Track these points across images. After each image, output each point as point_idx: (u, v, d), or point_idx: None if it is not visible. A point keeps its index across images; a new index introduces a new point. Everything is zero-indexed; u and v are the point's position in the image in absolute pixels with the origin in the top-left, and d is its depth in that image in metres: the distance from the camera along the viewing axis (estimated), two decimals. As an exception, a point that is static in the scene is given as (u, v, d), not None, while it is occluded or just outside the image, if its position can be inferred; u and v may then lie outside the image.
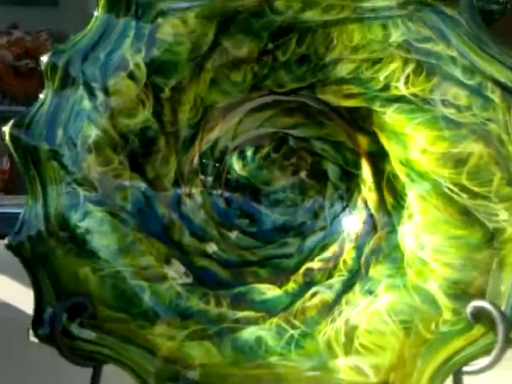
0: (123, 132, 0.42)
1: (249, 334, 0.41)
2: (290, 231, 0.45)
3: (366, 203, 0.44)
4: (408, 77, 0.40)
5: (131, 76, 0.41)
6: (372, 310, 0.41)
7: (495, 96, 0.39)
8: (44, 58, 0.41)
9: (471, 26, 0.39)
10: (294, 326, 0.42)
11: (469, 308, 0.39)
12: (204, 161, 0.45)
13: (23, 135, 0.40)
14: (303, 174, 0.46)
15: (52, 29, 4.42)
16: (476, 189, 0.40)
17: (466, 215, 0.40)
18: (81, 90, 0.41)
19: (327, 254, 0.44)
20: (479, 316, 0.39)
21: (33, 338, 0.40)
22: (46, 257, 0.40)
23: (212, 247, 0.45)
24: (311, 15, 0.40)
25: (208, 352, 0.41)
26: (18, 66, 2.85)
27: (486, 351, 0.39)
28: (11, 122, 0.41)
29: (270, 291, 0.43)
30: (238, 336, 0.41)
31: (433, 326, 0.40)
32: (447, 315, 0.40)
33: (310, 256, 0.45)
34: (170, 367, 0.40)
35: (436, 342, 0.40)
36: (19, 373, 0.60)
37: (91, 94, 0.41)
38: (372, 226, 0.44)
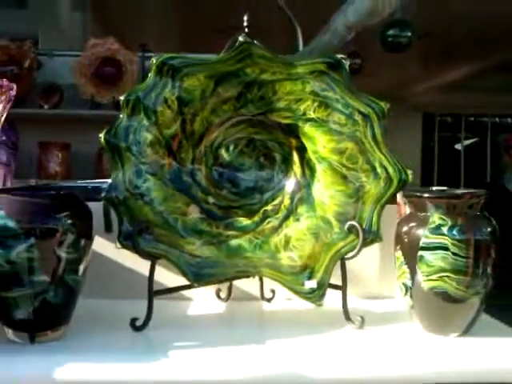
0: (164, 136, 0.77)
1: (234, 242, 0.77)
2: (255, 190, 0.81)
3: (295, 174, 0.81)
4: (315, 109, 0.77)
5: (169, 106, 0.76)
6: (298, 228, 0.78)
7: (359, 119, 0.76)
8: (121, 97, 0.75)
9: (346, 82, 0.76)
10: (257, 238, 0.78)
11: (346, 225, 0.76)
12: (207, 151, 0.80)
13: (112, 138, 0.75)
14: (261, 159, 0.82)
15: (21, 31, 4.58)
16: (350, 165, 0.77)
17: (345, 179, 0.77)
18: (142, 114, 0.75)
19: (275, 201, 0.80)
20: (352, 229, 0.76)
21: (119, 246, 0.74)
22: (125, 203, 0.75)
23: (212, 199, 0.80)
24: (265, 76, 0.76)
25: (213, 251, 0.76)
26: (3, 71, 3.11)
27: (354, 247, 0.76)
28: (104, 130, 0.75)
29: (244, 221, 0.79)
30: (228, 244, 0.77)
31: (328, 235, 0.77)
32: (336, 230, 0.77)
33: (266, 203, 0.81)
34: (193, 259, 0.75)
35: (330, 244, 0.77)
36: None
37: (147, 116, 0.75)
38: (298, 186, 0.80)
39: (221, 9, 5.66)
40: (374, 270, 0.92)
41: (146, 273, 0.75)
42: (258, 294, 0.89)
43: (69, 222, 0.66)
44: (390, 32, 2.06)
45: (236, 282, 0.87)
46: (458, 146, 13.22)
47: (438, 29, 4.39)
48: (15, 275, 0.64)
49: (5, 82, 0.96)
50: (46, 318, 0.67)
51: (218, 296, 0.88)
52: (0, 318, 0.68)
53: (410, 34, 2.03)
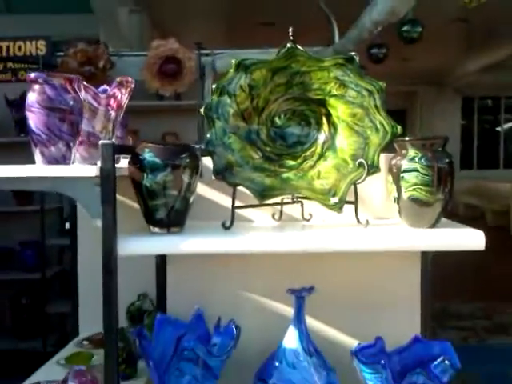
0: (240, 109, 1.19)
1: (285, 175, 1.19)
2: (298, 143, 1.23)
3: (324, 131, 1.22)
4: (336, 88, 1.17)
5: (243, 90, 1.17)
6: (326, 165, 1.19)
7: (365, 93, 1.16)
8: (213, 85, 1.17)
9: (356, 69, 1.16)
10: (300, 173, 1.20)
11: (357, 162, 1.17)
12: (267, 118, 1.22)
13: (208, 111, 1.17)
14: (302, 123, 1.23)
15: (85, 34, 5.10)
16: (359, 124, 1.17)
17: (357, 133, 1.17)
18: (226, 96, 1.17)
19: (311, 149, 1.22)
20: (361, 165, 1.16)
21: (213, 178, 1.17)
22: (215, 152, 1.17)
23: (269, 148, 1.22)
24: (304, 68, 1.17)
25: (271, 181, 1.18)
26: (82, 71, 3.60)
27: (362, 175, 1.16)
28: (204, 106, 1.17)
29: (291, 162, 1.21)
30: (281, 176, 1.19)
31: (345, 169, 1.17)
32: (351, 166, 1.17)
33: (305, 150, 1.22)
34: (259, 186, 1.17)
35: (346, 174, 1.17)
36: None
37: (229, 97, 1.17)
38: (326, 138, 1.21)
39: (264, 4, 6.04)
40: (379, 194, 1.32)
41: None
42: (300, 216, 1.31)
43: (187, 160, 1.10)
44: (405, 28, 2.44)
45: (285, 208, 1.28)
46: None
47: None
48: (158, 191, 1.08)
49: (129, 78, 1.39)
50: (174, 218, 1.11)
51: (273, 217, 1.30)
52: (147, 218, 1.12)
53: (420, 29, 2.40)
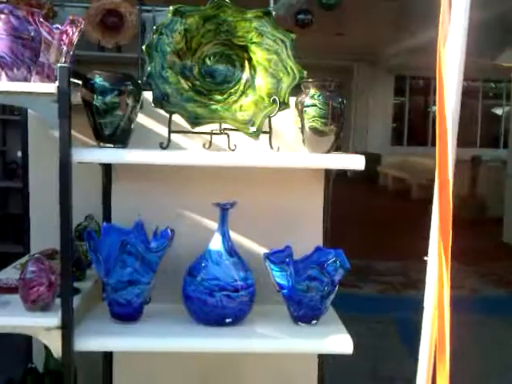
0: (176, 48, 1.40)
1: (213, 107, 1.43)
2: (224, 81, 1.46)
3: (246, 72, 1.46)
4: (256, 36, 1.41)
5: (179, 33, 1.39)
6: (247, 100, 1.44)
7: (279, 42, 1.41)
8: (155, 26, 1.38)
9: (272, 22, 1.40)
10: (226, 105, 1.44)
11: (271, 99, 1.42)
12: (199, 58, 1.45)
13: (149, 48, 1.38)
14: (228, 64, 1.46)
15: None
16: (274, 67, 1.42)
17: (272, 75, 1.42)
18: (164, 36, 1.39)
19: (236, 87, 1.46)
20: (274, 101, 1.42)
21: (152, 106, 1.39)
22: (155, 83, 1.39)
23: (200, 84, 1.45)
24: (230, 18, 1.40)
25: (202, 110, 1.42)
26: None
27: (274, 110, 1.42)
28: (146, 43, 1.38)
29: (219, 97, 1.45)
30: (210, 107, 1.43)
31: (262, 105, 1.43)
32: (266, 101, 1.43)
33: (230, 88, 1.46)
34: (191, 114, 1.41)
35: (263, 109, 1.42)
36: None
37: (167, 37, 1.39)
38: (247, 78, 1.46)
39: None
40: (290, 130, 1.59)
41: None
42: (226, 147, 1.55)
43: (131, 87, 1.31)
44: None
45: (214, 138, 1.52)
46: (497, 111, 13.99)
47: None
48: (107, 111, 1.29)
49: (80, 18, 1.57)
50: (119, 135, 1.33)
51: (204, 147, 1.54)
52: (96, 135, 1.33)
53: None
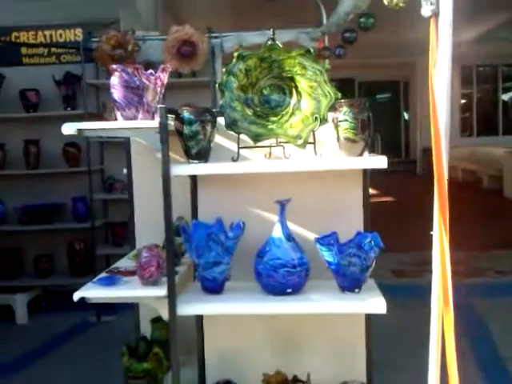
0: (240, 84, 1.83)
1: (270, 126, 1.84)
2: (278, 106, 1.87)
3: (294, 97, 1.86)
4: (300, 69, 1.81)
5: (241, 71, 1.82)
6: (295, 120, 1.84)
7: (318, 72, 1.80)
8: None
9: (312, 57, 1.79)
10: (279, 124, 1.85)
11: (314, 117, 1.82)
12: (257, 90, 1.87)
13: (220, 86, 1.82)
14: (280, 93, 1.87)
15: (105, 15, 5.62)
16: (315, 92, 1.81)
17: (314, 98, 1.82)
18: (231, 75, 1.82)
19: (286, 109, 1.87)
20: (316, 119, 1.81)
21: (225, 128, 1.83)
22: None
23: (259, 109, 1.86)
24: (280, 57, 1.81)
25: (261, 130, 1.84)
26: (114, 54, 4.23)
27: (316, 126, 1.81)
28: (218, 82, 1.81)
29: (273, 118, 1.86)
30: (267, 127, 1.84)
31: (307, 121, 1.83)
32: (310, 120, 1.82)
33: (281, 110, 1.87)
34: (253, 132, 1.83)
35: (308, 125, 1.82)
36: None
37: (233, 76, 1.82)
38: (295, 102, 1.86)
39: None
40: (330, 140, 1.97)
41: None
42: (282, 156, 1.95)
43: (209, 117, 1.76)
44: (362, 20, 3.07)
45: (273, 150, 1.93)
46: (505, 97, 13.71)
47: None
48: (192, 136, 1.74)
49: (168, 65, 2.04)
50: (202, 153, 1.78)
51: (265, 157, 1.96)
52: (186, 154, 1.79)
53: (373, 20, 3.03)
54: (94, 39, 4.47)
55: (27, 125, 4.58)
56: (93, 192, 4.34)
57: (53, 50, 4.67)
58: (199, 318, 2.12)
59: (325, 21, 4.24)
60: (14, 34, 4.69)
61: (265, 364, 2.10)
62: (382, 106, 15.13)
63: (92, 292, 1.83)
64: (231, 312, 1.86)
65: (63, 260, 4.62)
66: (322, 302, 1.81)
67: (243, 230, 1.87)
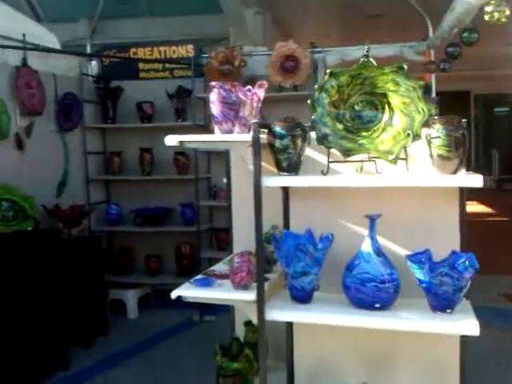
0: (332, 100, 1.87)
1: (361, 142, 1.86)
2: (369, 121, 1.88)
3: (386, 113, 1.86)
4: (393, 85, 1.81)
5: (333, 88, 1.86)
6: (387, 135, 1.84)
7: (411, 88, 1.78)
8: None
9: (405, 73, 1.78)
10: (370, 139, 1.86)
11: (406, 133, 1.80)
12: (349, 105, 1.89)
13: (312, 102, 1.87)
14: (372, 108, 1.88)
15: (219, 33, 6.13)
16: (408, 109, 1.80)
17: (406, 114, 1.81)
18: (323, 92, 1.86)
19: (378, 125, 1.87)
20: (408, 134, 1.80)
21: (315, 143, 1.87)
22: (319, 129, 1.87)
23: (350, 124, 1.89)
24: (372, 74, 1.82)
25: (352, 145, 1.86)
26: (222, 69, 4.44)
27: (408, 142, 1.79)
28: (309, 100, 1.87)
29: (364, 133, 1.87)
30: (358, 142, 1.86)
31: (398, 137, 1.81)
32: (402, 135, 1.81)
33: (373, 126, 1.88)
34: (343, 147, 1.86)
35: (399, 141, 1.81)
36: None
37: (325, 92, 1.86)
38: (387, 118, 1.86)
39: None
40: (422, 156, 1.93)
41: (327, 153, 1.86)
42: (372, 171, 1.96)
43: (300, 132, 1.81)
44: (464, 34, 2.95)
45: (364, 164, 1.93)
46: None
47: None
48: (284, 150, 1.80)
49: (264, 81, 2.13)
50: (292, 166, 1.84)
51: (356, 171, 1.97)
52: (276, 166, 1.85)
53: (476, 35, 2.90)
54: (204, 55, 4.73)
55: (142, 134, 4.95)
56: (199, 198, 4.58)
57: (166, 65, 5.00)
58: (289, 326, 2.17)
59: (431, 34, 4.12)
60: (133, 50, 5.09)
61: (352, 377, 2.11)
62: (501, 120, 14.20)
63: (188, 291, 1.96)
64: (318, 322, 1.89)
65: (171, 261, 4.91)
66: (410, 320, 1.79)
67: (332, 242, 1.90)
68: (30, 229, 3.64)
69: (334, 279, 1.93)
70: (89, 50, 5.89)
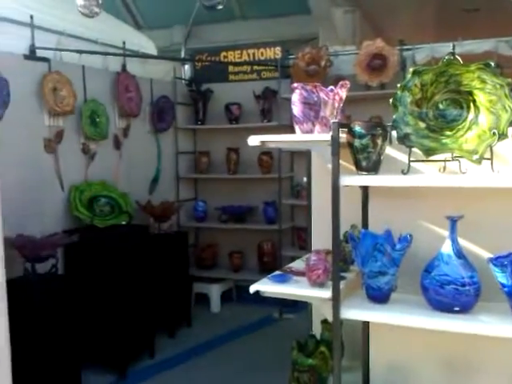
0: (415, 99, 1.84)
1: (444, 141, 1.81)
2: (454, 120, 1.83)
3: (471, 112, 1.80)
4: (479, 83, 1.75)
5: (416, 86, 1.83)
6: (472, 134, 1.78)
7: (498, 86, 1.71)
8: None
9: (492, 71, 1.72)
10: (454, 139, 1.81)
11: (492, 132, 1.73)
12: (432, 104, 1.85)
13: (395, 101, 1.85)
14: (457, 107, 1.83)
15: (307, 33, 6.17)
16: (494, 107, 1.73)
17: (492, 113, 1.74)
18: (406, 91, 1.84)
19: (462, 124, 1.81)
20: (495, 133, 1.73)
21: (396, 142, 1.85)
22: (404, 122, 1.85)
23: (433, 123, 1.85)
24: (457, 71, 1.77)
25: (435, 144, 1.81)
26: (308, 69, 4.47)
27: (494, 140, 1.72)
28: (393, 97, 1.85)
29: (448, 132, 1.82)
30: (441, 141, 1.81)
31: (483, 137, 1.75)
32: (488, 134, 1.74)
33: (458, 125, 1.82)
34: (425, 147, 1.82)
35: (484, 140, 1.74)
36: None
37: (408, 91, 1.84)
38: (473, 117, 1.79)
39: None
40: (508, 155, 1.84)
41: (407, 153, 1.84)
42: (455, 171, 1.89)
43: (380, 131, 1.80)
44: None
45: (447, 164, 1.88)
46: None
47: None
48: (363, 149, 1.80)
49: (347, 82, 2.13)
50: (372, 166, 1.83)
51: (439, 171, 1.92)
52: (356, 166, 1.86)
53: None
54: (291, 56, 4.78)
55: (229, 134, 5.10)
56: (282, 197, 4.65)
57: (254, 67, 5.11)
58: (365, 326, 2.16)
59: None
60: (223, 53, 5.26)
61: (430, 381, 2.06)
62: None
63: (265, 286, 2.02)
64: (394, 322, 1.87)
65: (253, 257, 5.02)
66: (491, 325, 1.71)
67: (410, 242, 1.87)
68: (124, 223, 3.88)
69: (413, 280, 1.89)
70: (183, 54, 6.16)
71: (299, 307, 4.29)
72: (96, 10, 2.35)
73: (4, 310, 2.32)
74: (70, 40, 3.95)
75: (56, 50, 3.81)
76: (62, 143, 3.75)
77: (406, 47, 4.36)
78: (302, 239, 4.73)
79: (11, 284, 2.42)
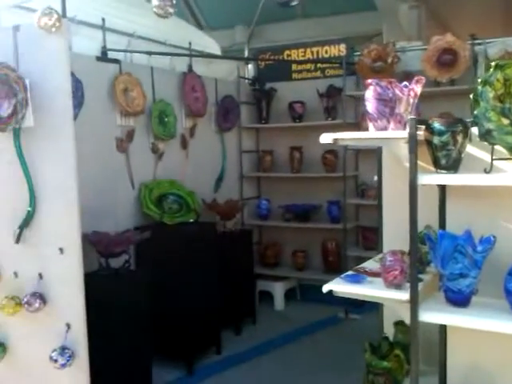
0: (497, 93, 1.75)
1: None
2: None
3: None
4: None
5: (498, 81, 1.74)
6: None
7: None
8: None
9: None
10: None
11: None
12: (518, 99, 1.75)
13: (474, 96, 1.76)
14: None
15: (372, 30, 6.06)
16: None
17: None
18: (487, 86, 1.75)
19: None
20: None
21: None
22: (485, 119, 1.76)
23: (520, 120, 1.75)
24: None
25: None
26: (373, 66, 4.37)
27: None
28: (472, 94, 1.77)
29: None
30: None
31: None
32: None
33: None
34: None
35: None
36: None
37: (489, 86, 1.75)
38: None
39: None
40: None
41: (490, 150, 1.75)
42: None
43: (460, 128, 1.72)
44: None
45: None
46: None
47: None
48: (442, 147, 1.73)
49: (422, 77, 2.05)
50: (452, 164, 1.75)
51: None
52: (434, 164, 1.79)
53: None
54: (356, 53, 4.69)
55: (293, 133, 5.07)
56: (346, 196, 4.57)
57: (318, 65, 5.06)
58: (443, 330, 2.08)
59: None
60: (286, 52, 5.23)
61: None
62: None
63: (339, 286, 1.98)
64: (475, 327, 1.79)
65: (317, 257, 4.97)
66: None
67: (493, 244, 1.78)
68: (191, 221, 3.94)
69: (495, 283, 1.80)
70: (246, 54, 6.19)
71: (365, 308, 4.21)
72: (170, 10, 2.38)
73: (82, 302, 2.42)
74: (140, 42, 4.05)
75: (126, 51, 3.92)
76: (133, 143, 3.85)
77: (477, 42, 4.17)
78: (367, 239, 4.64)
79: (87, 278, 2.51)
